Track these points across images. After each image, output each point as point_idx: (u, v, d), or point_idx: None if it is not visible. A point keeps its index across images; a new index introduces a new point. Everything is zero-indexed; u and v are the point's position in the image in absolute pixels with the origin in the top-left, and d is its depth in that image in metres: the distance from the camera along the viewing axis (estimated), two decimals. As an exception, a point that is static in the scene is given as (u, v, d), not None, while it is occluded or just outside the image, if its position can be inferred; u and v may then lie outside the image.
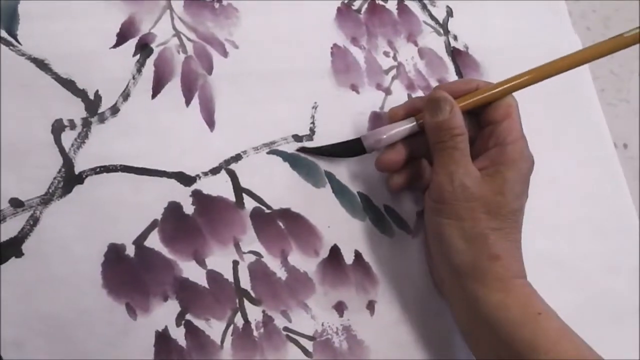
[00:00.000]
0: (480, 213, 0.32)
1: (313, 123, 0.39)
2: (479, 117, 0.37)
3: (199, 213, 0.34)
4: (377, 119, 0.41)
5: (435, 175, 0.34)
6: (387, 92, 0.42)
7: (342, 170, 0.39)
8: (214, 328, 0.33)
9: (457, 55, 0.47)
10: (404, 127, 0.37)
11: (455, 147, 0.34)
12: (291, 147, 0.38)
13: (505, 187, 0.33)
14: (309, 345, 0.35)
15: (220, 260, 0.34)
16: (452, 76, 0.45)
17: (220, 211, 0.35)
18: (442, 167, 0.34)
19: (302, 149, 0.38)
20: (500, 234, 0.32)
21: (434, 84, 0.45)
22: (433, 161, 0.35)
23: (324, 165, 0.39)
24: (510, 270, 0.32)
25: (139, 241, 0.33)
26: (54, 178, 0.32)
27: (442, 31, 0.47)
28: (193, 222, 0.34)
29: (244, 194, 0.36)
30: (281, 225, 0.36)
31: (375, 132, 0.38)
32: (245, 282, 0.34)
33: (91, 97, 0.34)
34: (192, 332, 0.32)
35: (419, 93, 0.43)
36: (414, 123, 0.37)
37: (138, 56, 0.36)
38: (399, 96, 0.43)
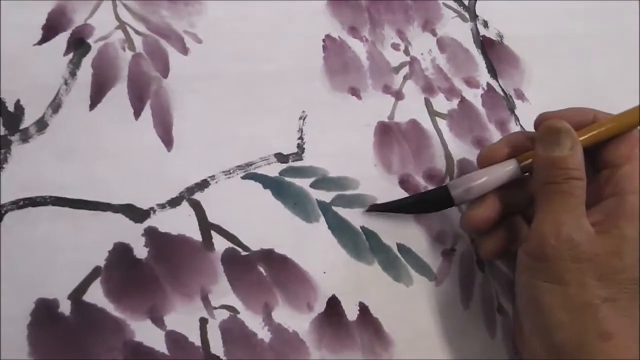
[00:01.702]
0: (591, 278, 0.36)
1: (301, 138, 0.47)
2: (594, 157, 0.43)
3: (154, 257, 0.41)
4: (386, 133, 0.49)
5: (537, 225, 0.39)
6: (398, 96, 0.51)
7: (340, 199, 0.47)
8: (177, 408, 0.39)
9: (489, 47, 0.56)
10: (505, 169, 0.43)
11: (570, 193, 0.38)
12: (273, 170, 0.46)
13: (624, 248, 0.37)
14: None
15: (183, 318, 0.40)
16: (483, 74, 0.54)
17: (182, 254, 0.42)
18: (547, 215, 0.38)
19: (373, 208, 0.46)
20: (614, 306, 0.36)
21: (459, 85, 0.53)
22: (536, 207, 0.39)
23: (316, 193, 0.46)
24: (626, 354, 0.35)
25: (76, 295, 0.39)
26: (-33, 213, 0.39)
27: (468, 16, 0.56)
28: (147, 270, 0.41)
29: (212, 232, 0.43)
30: (262, 271, 0.43)
31: (465, 179, 0.44)
32: (217, 346, 0.41)
33: (10, 108, 0.42)
34: (149, 413, 0.39)
35: (440, 97, 0.52)
36: (516, 166, 0.43)
37: (71, 55, 0.44)
38: (414, 101, 0.51)
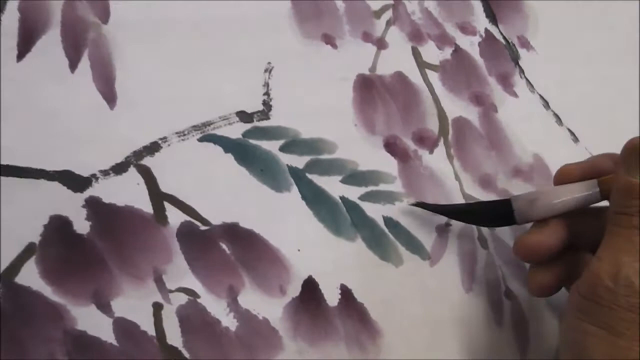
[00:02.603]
0: None
1: (267, 94, 0.51)
2: None
3: (98, 232, 0.44)
4: (368, 87, 0.53)
5: (596, 260, 0.40)
6: (381, 45, 0.55)
7: (315, 164, 0.50)
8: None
9: (487, -12, 0.60)
10: (581, 190, 0.45)
11: None
12: (236, 131, 0.49)
13: None
14: None
15: (134, 303, 0.43)
16: (480, 19, 0.59)
17: (130, 229, 0.45)
18: (609, 251, 0.39)
19: (419, 205, 0.49)
20: None
21: (453, 32, 0.57)
22: (601, 242, 0.41)
23: (287, 158, 0.50)
24: None
25: (6, 276, 0.41)
26: None
27: (460, -49, 0.60)
28: (90, 247, 0.44)
29: (165, 203, 0.46)
30: (225, 248, 0.46)
31: (533, 194, 0.47)
32: (174, 336, 0.44)
33: None
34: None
35: (430, 45, 0.56)
36: (595, 188, 0.44)
37: (-9, -4, 0.46)
38: (399, 51, 0.55)
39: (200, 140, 0.48)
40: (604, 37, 0.61)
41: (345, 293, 0.48)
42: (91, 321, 0.43)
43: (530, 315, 0.52)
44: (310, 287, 0.47)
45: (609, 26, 0.63)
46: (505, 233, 0.53)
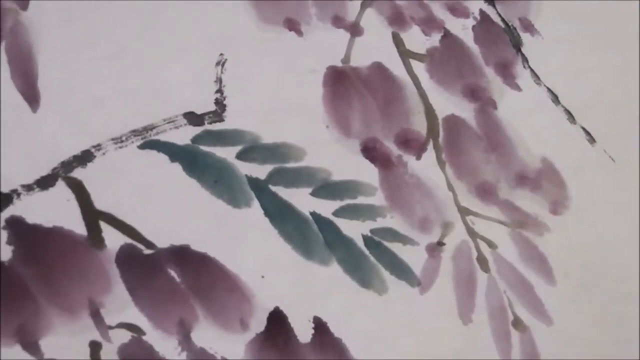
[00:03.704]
0: None
1: (220, 91, 0.55)
2: None
3: (21, 258, 0.48)
4: (341, 81, 0.57)
5: None
6: (355, 31, 0.59)
7: (279, 174, 0.54)
8: None
9: (480, -39, 0.65)
10: None
11: None
12: (183, 136, 0.53)
13: None
14: None
15: (67, 341, 0.47)
16: (473, -1, 0.64)
17: (60, 254, 0.48)
18: None
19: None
20: None
21: (441, 14, 0.62)
22: None
23: (246, 167, 0.54)
24: None
25: None
26: None
27: None
28: (12, 276, 0.47)
29: (101, 222, 0.50)
30: (175, 275, 0.50)
31: None
32: (117, 381, 0.48)
33: None
34: None
35: (414, 30, 0.61)
36: None
37: None
38: (377, 37, 0.59)
39: (141, 147, 0.53)
40: (621, 16, 0.66)
41: (319, 326, 0.52)
42: (16, 364, 0.46)
43: (543, 349, 0.56)
44: (277, 320, 0.51)
45: (627, 3, 0.68)
46: (508, 251, 0.58)
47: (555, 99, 0.63)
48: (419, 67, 0.60)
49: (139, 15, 0.55)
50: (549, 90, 0.63)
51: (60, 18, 0.53)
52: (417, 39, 0.61)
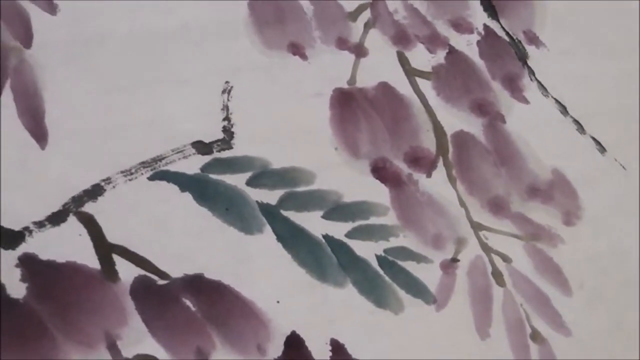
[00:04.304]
0: None
1: (228, 119, 0.55)
2: None
3: (36, 295, 0.48)
4: (347, 103, 0.58)
5: None
6: (359, 52, 0.59)
7: (290, 199, 0.55)
8: None
9: (484, -24, 0.65)
10: None
11: None
12: (192, 165, 0.53)
13: None
14: None
15: None
16: (477, 13, 0.63)
17: (75, 288, 0.49)
18: None
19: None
20: None
21: (445, 31, 0.62)
22: None
23: (256, 193, 0.54)
24: None
25: None
26: None
27: None
28: (27, 312, 0.47)
29: (114, 255, 0.50)
30: (190, 305, 0.51)
31: None
32: (137, 413, 0.48)
33: None
34: None
35: (419, 49, 0.61)
36: None
37: None
38: (382, 57, 0.60)
39: (151, 178, 0.53)
40: (626, 23, 0.66)
41: (337, 349, 0.52)
42: (36, 400, 0.46)
43: (563, 361, 0.56)
44: (294, 344, 0.51)
45: (631, 10, 0.67)
46: (523, 265, 0.58)
47: (564, 109, 0.63)
48: (425, 85, 0.60)
49: (142, 48, 0.55)
50: (557, 101, 0.63)
51: (63, 54, 0.54)
52: (422, 57, 0.61)
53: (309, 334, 0.52)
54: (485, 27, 0.64)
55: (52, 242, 0.50)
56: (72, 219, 0.51)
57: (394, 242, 0.56)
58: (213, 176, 0.54)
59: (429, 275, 0.56)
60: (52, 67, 0.53)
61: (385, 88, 0.59)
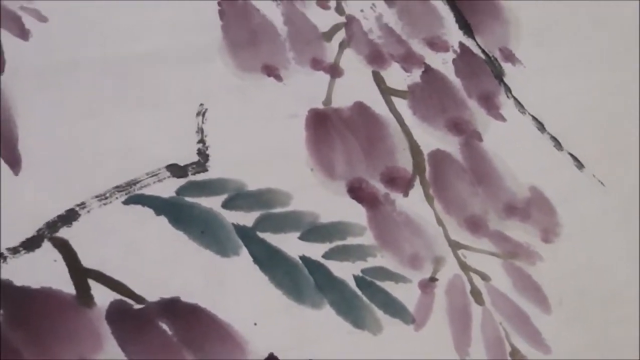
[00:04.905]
0: None
1: (202, 141, 0.55)
2: None
3: (10, 322, 0.47)
4: (322, 124, 0.58)
5: None
6: (334, 72, 0.59)
7: (267, 220, 0.55)
8: None
9: (458, -8, 0.65)
10: None
11: None
12: (167, 188, 0.53)
13: None
14: None
15: None
16: (452, 31, 0.64)
17: (50, 315, 0.48)
18: None
19: None
20: None
21: (420, 50, 0.62)
22: None
23: (232, 215, 0.54)
24: None
25: None
26: None
27: (422, -47, 0.65)
28: (3, 339, 0.47)
29: (90, 280, 0.50)
30: (166, 329, 0.50)
31: None
32: None
33: None
34: None
35: (394, 68, 0.61)
36: None
37: None
38: (357, 77, 0.60)
39: (126, 202, 0.53)
40: (601, 37, 0.66)
41: (316, 372, 0.52)
42: None
43: (543, 379, 0.56)
44: (271, 367, 0.51)
45: (606, 24, 0.68)
46: (502, 283, 0.58)
47: (541, 126, 0.63)
48: (401, 104, 0.61)
49: (116, 72, 0.55)
50: (534, 118, 0.63)
51: (36, 80, 0.54)
52: (397, 76, 0.61)
53: (287, 356, 0.52)
54: (461, 44, 0.64)
55: (27, 268, 0.50)
56: (46, 245, 0.50)
57: (371, 262, 0.56)
58: (188, 199, 0.54)
59: (407, 295, 0.56)
60: (25, 93, 0.53)
61: (360, 108, 0.59)
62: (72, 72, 0.54)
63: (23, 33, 0.54)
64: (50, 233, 0.51)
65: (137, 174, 0.53)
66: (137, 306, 0.50)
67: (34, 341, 0.48)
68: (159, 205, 0.53)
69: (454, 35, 0.64)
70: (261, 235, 0.54)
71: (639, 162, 0.63)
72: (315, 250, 0.55)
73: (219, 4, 0.59)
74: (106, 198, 0.52)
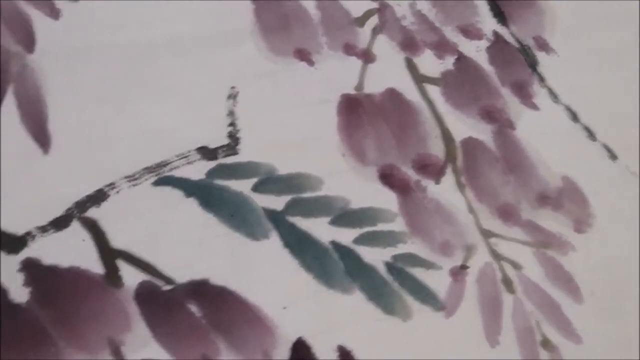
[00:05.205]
0: None
1: (233, 124, 0.55)
2: None
3: (38, 300, 0.47)
4: (355, 109, 0.57)
5: None
6: (367, 57, 0.59)
7: (297, 205, 0.54)
8: None
9: (493, -19, 0.65)
10: None
11: None
12: (198, 170, 0.53)
13: None
14: None
15: None
16: (486, 19, 0.63)
17: (78, 294, 0.48)
18: None
19: None
20: None
21: (454, 37, 0.62)
22: None
23: (262, 199, 0.53)
24: None
25: None
26: None
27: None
28: (29, 318, 0.47)
29: (119, 261, 0.50)
30: (195, 310, 0.50)
31: None
32: (140, 420, 0.47)
33: None
34: None
35: (427, 55, 0.60)
36: None
37: None
38: (390, 63, 0.59)
39: (156, 184, 0.52)
40: (635, 27, 0.65)
41: (344, 355, 0.51)
42: (37, 407, 0.46)
43: (574, 369, 0.56)
44: (300, 350, 0.51)
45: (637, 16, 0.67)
46: (533, 272, 0.57)
47: (574, 116, 0.63)
48: (434, 91, 0.60)
49: (146, 56, 0.55)
50: (568, 108, 0.63)
51: (68, 61, 0.53)
52: (430, 63, 0.61)
53: (316, 341, 0.51)
54: (495, 33, 0.63)
55: (55, 247, 0.49)
56: (75, 224, 0.50)
57: (401, 249, 0.55)
58: (218, 182, 0.53)
59: (437, 282, 0.55)
60: (56, 73, 0.53)
61: (392, 94, 0.59)
62: (104, 51, 0.54)
63: (54, 11, 0.54)
64: (79, 213, 0.50)
65: (168, 156, 0.53)
66: (165, 287, 0.50)
67: (61, 320, 0.48)
68: (188, 188, 0.53)
69: (488, 23, 0.63)
70: (291, 219, 0.54)
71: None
72: (346, 236, 0.54)
73: (251, -11, 0.58)
74: (135, 179, 0.52)
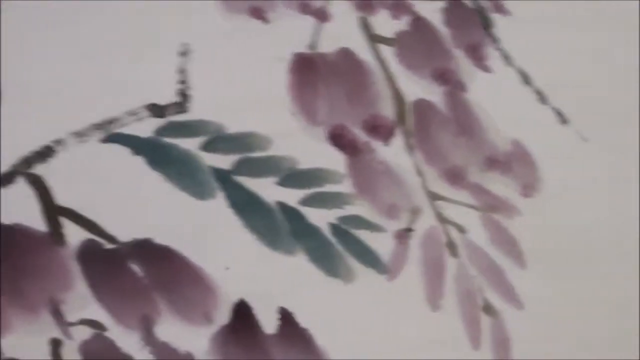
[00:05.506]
0: None
1: (184, 82, 0.54)
2: None
3: None
4: (307, 68, 0.57)
5: None
6: (322, 16, 0.58)
7: (245, 164, 0.54)
8: None
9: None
10: None
11: None
12: (146, 128, 0.53)
13: None
14: None
15: (26, 340, 0.47)
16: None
17: (20, 251, 0.49)
18: None
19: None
20: None
21: (420, 3, 0.62)
22: None
23: (210, 158, 0.53)
24: None
25: None
26: None
27: None
28: None
29: (62, 218, 0.50)
30: (137, 270, 0.50)
31: None
32: (79, 378, 0.48)
33: None
34: None
35: (382, 14, 0.59)
36: None
37: None
38: (344, 22, 0.59)
39: (104, 141, 0.52)
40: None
41: (286, 317, 0.52)
42: (-24, 363, 0.46)
43: (515, 334, 0.56)
44: (242, 311, 0.51)
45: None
46: (479, 236, 0.57)
47: (526, 79, 0.62)
48: (388, 52, 0.59)
49: (99, 11, 0.55)
50: (520, 71, 0.62)
51: (18, 14, 0.53)
52: (385, 23, 0.60)
53: (258, 302, 0.52)
54: (451, -7, 0.62)
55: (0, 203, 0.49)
56: (20, 180, 0.50)
57: (348, 211, 0.55)
58: (167, 140, 0.53)
59: (382, 244, 0.55)
60: (5, 26, 0.52)
61: (346, 54, 0.58)
62: (54, 8, 0.54)
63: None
64: (25, 169, 0.50)
65: (117, 112, 0.53)
66: (108, 246, 0.50)
67: (2, 278, 0.48)
68: (136, 145, 0.53)
69: (456, -17, 0.63)
70: (238, 179, 0.54)
71: (625, 119, 0.62)
72: (292, 196, 0.55)
73: (207, -58, 0.58)
74: (83, 136, 0.52)
